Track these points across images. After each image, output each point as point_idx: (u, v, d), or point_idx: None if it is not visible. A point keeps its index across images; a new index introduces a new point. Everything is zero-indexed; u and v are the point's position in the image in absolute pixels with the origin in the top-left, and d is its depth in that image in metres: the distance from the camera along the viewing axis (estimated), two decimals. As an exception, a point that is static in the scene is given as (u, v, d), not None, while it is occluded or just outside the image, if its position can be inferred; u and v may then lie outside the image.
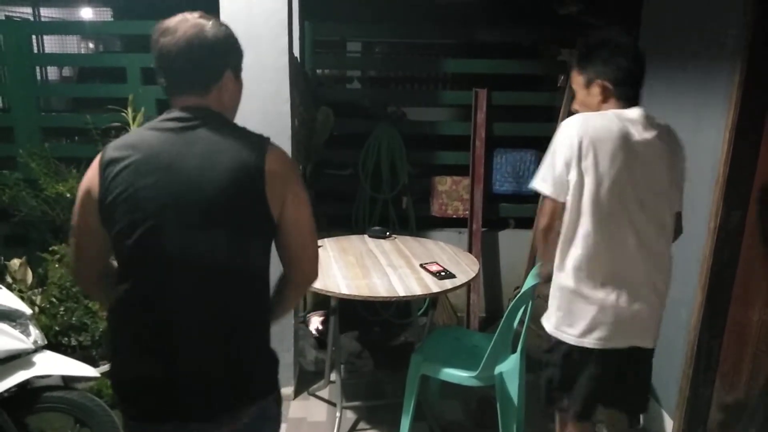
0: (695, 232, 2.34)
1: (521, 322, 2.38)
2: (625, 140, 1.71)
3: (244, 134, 1.33)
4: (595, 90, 1.81)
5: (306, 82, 3.69)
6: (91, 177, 1.31)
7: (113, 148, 1.31)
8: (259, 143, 1.31)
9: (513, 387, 2.34)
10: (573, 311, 1.82)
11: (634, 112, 1.77)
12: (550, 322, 1.90)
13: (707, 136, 2.29)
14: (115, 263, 1.38)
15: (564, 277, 1.82)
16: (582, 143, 1.70)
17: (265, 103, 2.62)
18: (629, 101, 1.79)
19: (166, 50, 1.28)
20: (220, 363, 1.32)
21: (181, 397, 1.32)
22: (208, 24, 1.30)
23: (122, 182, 1.27)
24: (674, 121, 2.52)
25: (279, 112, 2.67)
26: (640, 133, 1.74)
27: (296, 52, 3.44)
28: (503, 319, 2.26)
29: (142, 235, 1.26)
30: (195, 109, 1.31)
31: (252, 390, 1.37)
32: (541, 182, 1.81)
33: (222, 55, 1.33)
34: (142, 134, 1.32)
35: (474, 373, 2.31)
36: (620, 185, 1.71)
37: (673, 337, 2.51)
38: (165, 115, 1.33)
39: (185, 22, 1.29)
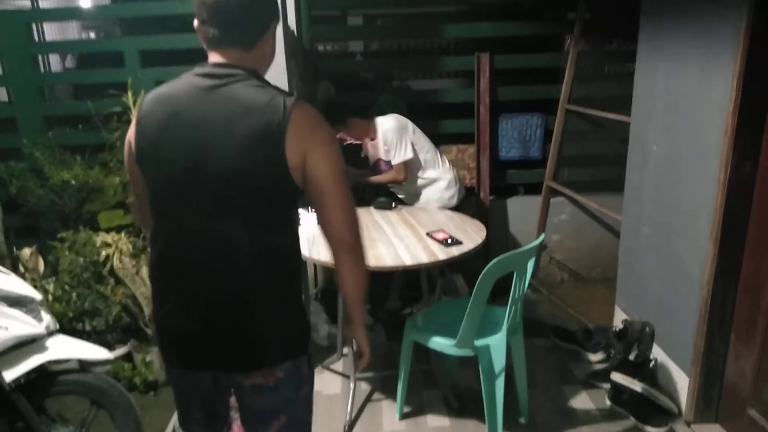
0: (705, 184, 2.29)
1: (530, 287, 2.36)
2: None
3: (272, 93, 1.27)
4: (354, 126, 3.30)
5: (305, 56, 3.64)
6: (131, 129, 1.35)
7: (147, 101, 1.33)
8: (285, 103, 1.25)
9: (499, 358, 2.29)
10: None
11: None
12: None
13: (714, 85, 2.22)
14: None
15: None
16: (408, 128, 3.27)
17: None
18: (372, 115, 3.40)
19: (218, 0, 1.25)
20: (237, 320, 1.35)
21: (202, 347, 1.39)
22: None
23: (150, 137, 1.30)
24: (680, 71, 2.48)
25: (276, 84, 2.63)
26: None
27: (293, 27, 3.38)
28: (475, 290, 2.16)
29: (165, 192, 1.32)
30: (228, 66, 1.30)
31: (276, 348, 1.38)
32: (404, 155, 3.21)
33: (272, 4, 1.32)
34: (175, 88, 1.32)
35: (453, 342, 2.30)
36: None
37: (685, 293, 2.47)
38: (198, 69, 1.31)
39: None
